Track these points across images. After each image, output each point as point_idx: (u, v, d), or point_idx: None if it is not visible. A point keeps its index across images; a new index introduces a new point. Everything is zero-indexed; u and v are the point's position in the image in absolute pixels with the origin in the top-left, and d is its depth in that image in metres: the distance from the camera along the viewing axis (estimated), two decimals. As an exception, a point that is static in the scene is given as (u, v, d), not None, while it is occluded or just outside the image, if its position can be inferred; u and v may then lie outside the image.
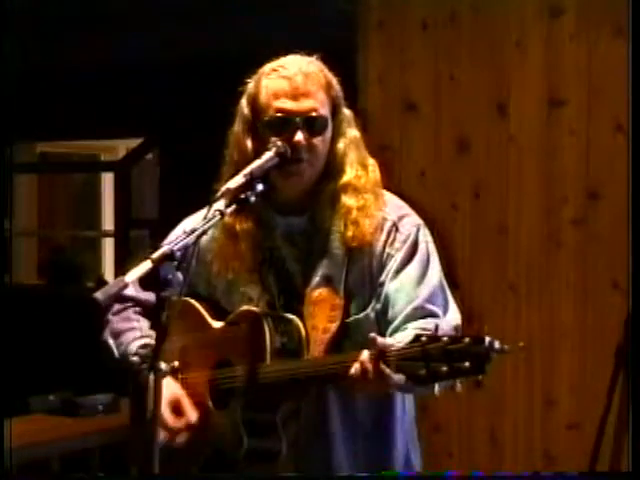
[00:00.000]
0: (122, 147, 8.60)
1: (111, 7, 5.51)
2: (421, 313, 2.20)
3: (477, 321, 4.33)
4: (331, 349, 2.22)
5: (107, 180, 8.74)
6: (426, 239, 2.31)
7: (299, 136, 2.21)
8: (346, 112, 2.33)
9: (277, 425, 2.19)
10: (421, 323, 2.16)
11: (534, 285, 4.27)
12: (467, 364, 1.87)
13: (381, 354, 2.01)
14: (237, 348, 2.28)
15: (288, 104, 2.23)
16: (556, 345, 4.20)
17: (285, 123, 2.22)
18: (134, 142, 8.00)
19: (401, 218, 2.30)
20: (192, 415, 2.29)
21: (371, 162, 2.35)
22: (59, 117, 7.64)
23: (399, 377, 2.01)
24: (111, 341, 2.43)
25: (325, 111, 2.25)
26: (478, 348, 1.87)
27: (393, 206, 2.33)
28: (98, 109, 7.47)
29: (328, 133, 2.27)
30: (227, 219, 2.24)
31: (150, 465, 1.94)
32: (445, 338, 1.92)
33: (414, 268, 2.26)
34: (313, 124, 2.23)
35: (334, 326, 2.23)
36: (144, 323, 2.41)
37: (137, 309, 2.45)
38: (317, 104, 2.23)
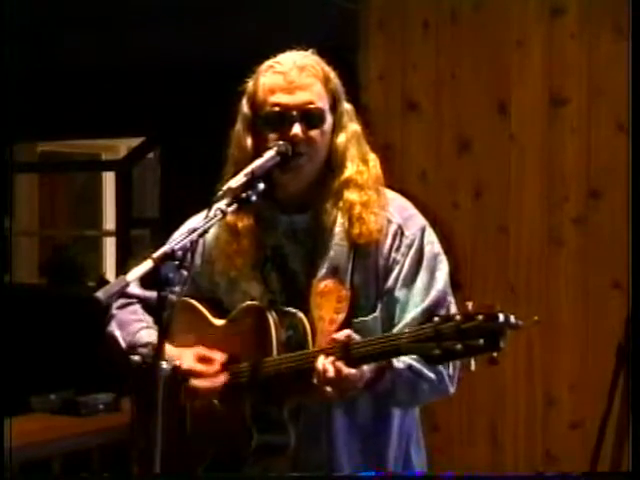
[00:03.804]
0: (123, 146, 8.60)
1: (111, 7, 5.51)
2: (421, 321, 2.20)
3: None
4: None
5: (108, 179, 8.74)
6: (431, 240, 2.31)
7: (296, 129, 2.21)
8: (347, 106, 2.32)
9: (285, 419, 2.20)
10: None
11: (535, 284, 4.28)
12: (481, 341, 1.87)
13: (342, 351, 2.07)
14: (243, 344, 2.28)
15: (284, 98, 2.22)
16: (557, 344, 4.20)
17: (281, 117, 2.22)
18: (135, 141, 7.99)
19: (406, 220, 2.30)
20: (220, 356, 2.28)
21: (372, 157, 2.34)
22: (60, 116, 7.64)
23: (361, 372, 2.08)
24: (117, 332, 2.41)
25: (322, 104, 2.25)
26: (492, 324, 1.88)
27: (397, 207, 2.33)
28: (99, 108, 7.46)
29: (327, 126, 2.26)
30: (229, 217, 2.23)
31: (152, 464, 1.94)
32: (458, 317, 1.93)
33: (421, 277, 2.27)
34: (310, 117, 2.23)
35: (340, 317, 2.22)
36: (149, 317, 2.39)
37: (141, 305, 2.44)
38: (313, 97, 2.23)
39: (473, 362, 1.92)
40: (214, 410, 2.30)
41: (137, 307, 2.44)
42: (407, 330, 2.04)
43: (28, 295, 7.49)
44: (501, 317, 1.88)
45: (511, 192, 4.33)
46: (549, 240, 4.25)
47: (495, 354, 1.88)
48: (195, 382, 2.25)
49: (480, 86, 4.38)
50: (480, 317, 1.90)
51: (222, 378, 2.27)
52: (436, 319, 1.95)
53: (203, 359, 2.28)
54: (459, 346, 1.90)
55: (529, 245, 4.30)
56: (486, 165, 4.38)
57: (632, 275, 3.83)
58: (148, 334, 2.34)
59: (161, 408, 1.94)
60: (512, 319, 1.89)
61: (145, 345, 2.33)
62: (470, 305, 1.94)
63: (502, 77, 4.34)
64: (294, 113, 2.21)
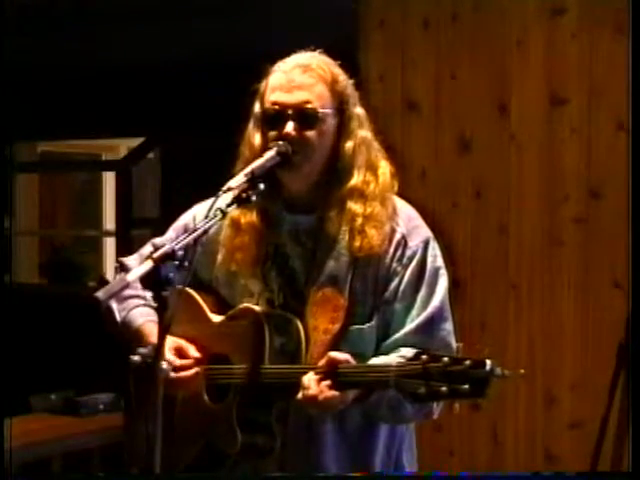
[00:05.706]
0: (123, 146, 8.61)
1: (112, 6, 5.51)
2: (412, 339, 2.21)
3: (479, 320, 4.33)
4: (331, 351, 2.19)
5: (108, 179, 8.75)
6: (434, 253, 2.30)
7: (289, 128, 2.21)
8: (357, 111, 2.31)
9: (271, 423, 2.21)
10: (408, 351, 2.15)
11: (535, 284, 4.27)
12: (466, 387, 1.89)
13: (330, 373, 2.08)
14: (236, 345, 2.28)
15: (282, 97, 2.23)
16: (557, 344, 4.20)
17: (278, 115, 2.23)
18: (135, 141, 8.00)
19: (411, 231, 2.29)
20: (196, 353, 2.28)
21: (383, 164, 2.34)
22: (60, 116, 7.64)
23: (346, 395, 2.09)
24: (114, 304, 2.39)
25: (322, 105, 2.24)
26: (478, 372, 1.89)
27: (404, 217, 2.32)
28: (99, 108, 7.47)
29: (326, 127, 2.25)
30: (233, 213, 2.24)
31: (150, 464, 1.93)
32: (446, 359, 1.94)
33: (420, 292, 2.26)
34: (304, 116, 2.22)
35: (335, 327, 2.22)
36: (149, 295, 2.38)
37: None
38: (311, 97, 2.23)
39: (457, 405, 1.94)
40: (202, 408, 2.31)
41: (138, 286, 2.44)
42: (396, 361, 2.06)
43: (28, 295, 7.50)
44: (488, 365, 1.89)
45: (511, 192, 4.33)
46: (549, 240, 4.25)
47: (479, 400, 1.89)
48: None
49: (480, 86, 4.38)
50: (467, 362, 1.91)
51: (192, 372, 2.26)
52: (424, 357, 1.97)
53: (179, 350, 2.28)
54: (444, 388, 1.92)
55: (529, 245, 4.29)
56: (486, 165, 4.38)
57: (632, 275, 3.82)
58: (141, 313, 2.35)
59: (151, 403, 1.94)
60: (498, 370, 1.89)
61: (137, 330, 2.33)
62: (461, 347, 1.98)
63: (502, 77, 4.34)
64: (289, 112, 2.22)
